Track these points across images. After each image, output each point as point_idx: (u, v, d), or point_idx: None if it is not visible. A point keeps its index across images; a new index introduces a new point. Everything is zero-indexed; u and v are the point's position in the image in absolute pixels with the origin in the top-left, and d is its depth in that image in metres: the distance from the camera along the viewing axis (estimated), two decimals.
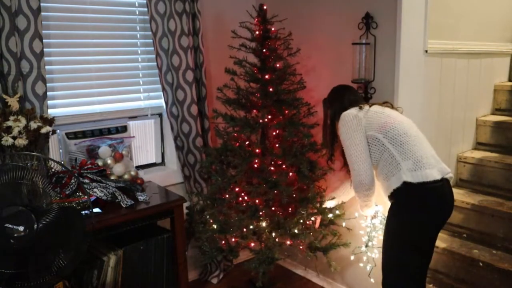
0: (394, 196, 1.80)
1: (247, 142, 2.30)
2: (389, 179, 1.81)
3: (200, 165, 2.56)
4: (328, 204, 2.25)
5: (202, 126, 2.60)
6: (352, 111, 1.93)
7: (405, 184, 1.74)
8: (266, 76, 2.24)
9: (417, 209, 1.78)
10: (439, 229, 1.89)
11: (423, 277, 1.89)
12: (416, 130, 1.89)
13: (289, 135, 2.23)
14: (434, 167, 1.77)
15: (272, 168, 2.23)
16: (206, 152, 2.51)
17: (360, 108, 1.94)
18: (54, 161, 1.98)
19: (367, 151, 1.86)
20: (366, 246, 2.19)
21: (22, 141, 1.85)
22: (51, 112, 2.12)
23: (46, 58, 2.05)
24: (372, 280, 2.20)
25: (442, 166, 1.82)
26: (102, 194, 2.00)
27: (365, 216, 2.15)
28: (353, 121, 1.89)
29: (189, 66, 2.45)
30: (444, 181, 1.79)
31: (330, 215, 2.28)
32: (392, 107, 2.04)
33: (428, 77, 2.38)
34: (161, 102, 2.57)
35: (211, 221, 2.26)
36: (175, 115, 2.49)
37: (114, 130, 2.39)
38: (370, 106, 1.96)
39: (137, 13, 2.45)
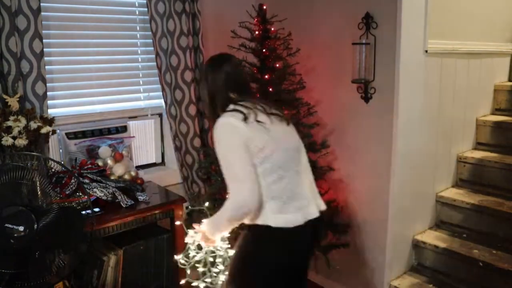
0: (250, 230, 1.55)
1: None
2: None
3: (199, 165, 2.56)
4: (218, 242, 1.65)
5: (202, 126, 2.60)
6: (233, 121, 1.48)
7: (265, 226, 1.49)
8: (266, 76, 2.24)
9: (268, 251, 1.53)
10: (298, 268, 1.65)
11: None
12: (297, 158, 1.59)
13: None
14: (300, 211, 1.52)
15: None
16: (205, 152, 2.51)
17: (245, 118, 1.48)
18: (54, 161, 1.98)
19: (251, 164, 1.45)
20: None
21: (22, 141, 1.85)
22: (51, 112, 2.12)
23: (46, 58, 2.05)
24: None
25: (309, 210, 1.55)
26: (102, 194, 2.00)
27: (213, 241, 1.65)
28: (233, 130, 1.47)
29: (188, 66, 2.45)
30: (307, 225, 1.52)
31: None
32: (281, 117, 1.59)
33: (428, 77, 2.38)
34: (161, 102, 2.57)
35: None
36: (173, 115, 2.49)
37: (114, 130, 2.39)
38: (256, 115, 1.51)
39: (137, 13, 2.45)
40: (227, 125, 1.49)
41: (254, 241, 1.56)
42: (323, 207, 1.64)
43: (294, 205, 1.52)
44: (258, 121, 1.50)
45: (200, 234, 1.64)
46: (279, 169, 1.50)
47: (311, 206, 1.57)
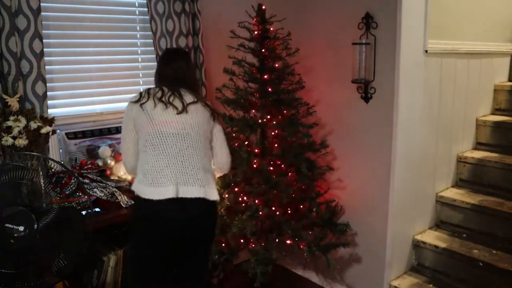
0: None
1: (246, 142, 2.30)
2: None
3: None
4: None
5: None
6: (130, 102, 1.83)
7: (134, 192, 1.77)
8: (265, 76, 2.24)
9: (135, 217, 1.81)
10: (163, 244, 1.79)
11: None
12: (176, 144, 1.75)
13: (289, 135, 2.23)
14: (153, 186, 1.70)
15: (271, 168, 2.23)
16: None
17: (139, 99, 1.81)
18: (54, 161, 1.98)
19: (132, 138, 1.81)
20: None
21: (22, 141, 1.85)
22: (51, 112, 2.12)
23: (46, 58, 2.05)
24: None
25: (164, 190, 1.70)
26: (102, 194, 2.00)
27: None
28: (128, 108, 1.83)
29: None
30: (164, 203, 1.70)
31: None
32: (174, 107, 1.79)
33: (428, 77, 2.38)
34: None
35: None
36: None
37: (114, 130, 2.39)
38: (147, 100, 1.80)
39: (137, 13, 2.45)
40: (128, 103, 1.84)
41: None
42: (186, 194, 1.73)
43: (151, 179, 1.73)
44: (141, 105, 1.79)
45: None
46: (150, 147, 1.75)
47: (169, 187, 1.71)
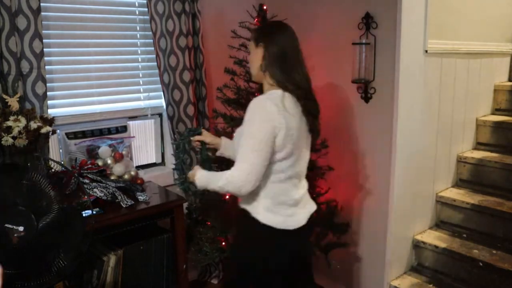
0: None
1: None
2: None
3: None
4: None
5: (202, 126, 2.60)
6: (271, 104, 1.50)
7: None
8: None
9: None
10: None
11: None
12: None
13: None
14: None
15: None
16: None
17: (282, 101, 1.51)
18: (54, 161, 1.97)
19: (267, 153, 1.51)
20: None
21: (22, 141, 1.85)
22: (51, 112, 2.12)
23: (46, 58, 2.06)
24: None
25: None
26: (102, 194, 2.00)
27: None
28: (270, 110, 1.50)
29: (186, 66, 2.45)
30: None
31: None
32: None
33: (428, 77, 2.38)
34: (161, 102, 2.57)
35: (212, 223, 2.26)
36: (170, 115, 2.49)
37: (114, 130, 2.38)
38: (285, 103, 1.52)
39: (137, 13, 2.45)
40: (263, 101, 1.58)
41: None
42: None
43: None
44: (289, 111, 1.61)
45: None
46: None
47: None
